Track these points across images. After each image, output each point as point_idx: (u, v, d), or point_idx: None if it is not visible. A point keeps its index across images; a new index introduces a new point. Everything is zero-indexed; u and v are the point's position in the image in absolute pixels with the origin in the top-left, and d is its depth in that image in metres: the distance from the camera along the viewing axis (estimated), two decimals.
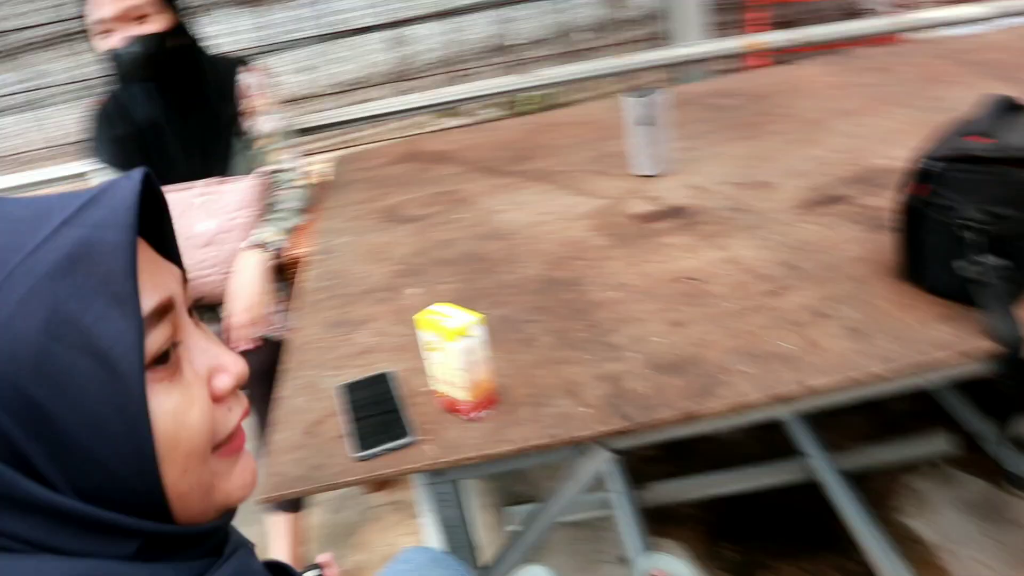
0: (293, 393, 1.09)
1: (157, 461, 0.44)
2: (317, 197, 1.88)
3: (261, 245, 1.68)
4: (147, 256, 0.48)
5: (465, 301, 1.26)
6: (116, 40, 1.57)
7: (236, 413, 0.52)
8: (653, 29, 2.39)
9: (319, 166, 2.13)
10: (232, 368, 0.51)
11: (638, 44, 2.49)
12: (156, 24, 1.59)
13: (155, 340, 0.45)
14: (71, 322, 0.41)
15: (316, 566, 0.89)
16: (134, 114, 1.68)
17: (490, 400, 0.97)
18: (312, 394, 1.08)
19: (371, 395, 1.03)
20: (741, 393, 0.93)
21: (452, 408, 0.98)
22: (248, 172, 1.77)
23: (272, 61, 2.27)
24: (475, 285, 1.31)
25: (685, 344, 1.04)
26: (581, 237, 1.41)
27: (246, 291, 1.64)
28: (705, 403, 0.92)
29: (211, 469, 0.49)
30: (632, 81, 2.55)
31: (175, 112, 1.70)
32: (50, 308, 0.40)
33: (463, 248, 1.46)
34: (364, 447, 0.93)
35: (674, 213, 1.43)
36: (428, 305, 0.98)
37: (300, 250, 1.68)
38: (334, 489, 0.89)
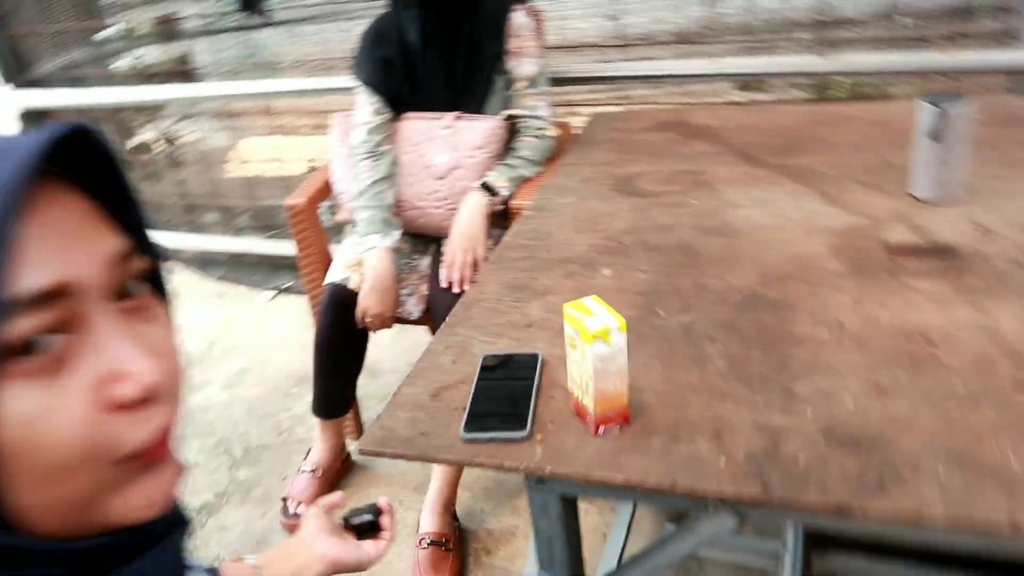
0: (441, 349, 1.06)
1: None
2: (560, 150, 1.82)
3: (490, 189, 1.67)
4: (66, 226, 0.41)
5: (654, 296, 1.14)
6: None
7: (150, 424, 0.43)
8: (1000, 25, 1.99)
9: (579, 119, 2.06)
10: (139, 376, 0.41)
11: (977, 39, 2.09)
12: None
13: (25, 326, 0.38)
14: None
15: (374, 507, 0.87)
16: (402, 37, 1.72)
17: (620, 416, 0.86)
18: (458, 355, 1.04)
19: (508, 374, 0.97)
20: (921, 501, 0.73)
21: (581, 414, 0.88)
22: (499, 112, 1.75)
23: (556, 6, 2.21)
24: (672, 281, 1.18)
25: (879, 417, 0.85)
26: (814, 255, 1.21)
27: (467, 231, 1.64)
28: (868, 499, 0.74)
29: (106, 479, 0.42)
30: (961, 83, 2.17)
31: (442, 41, 1.71)
32: None
33: (679, 237, 1.32)
34: (474, 429, 0.87)
35: (938, 252, 1.17)
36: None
37: (523, 201, 1.64)
38: (428, 462, 0.84)
